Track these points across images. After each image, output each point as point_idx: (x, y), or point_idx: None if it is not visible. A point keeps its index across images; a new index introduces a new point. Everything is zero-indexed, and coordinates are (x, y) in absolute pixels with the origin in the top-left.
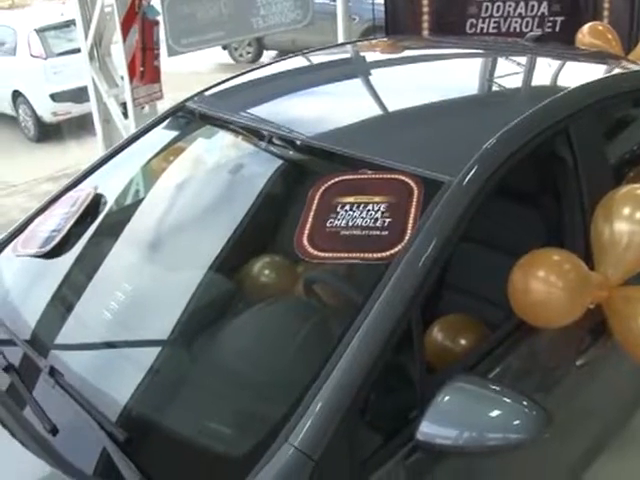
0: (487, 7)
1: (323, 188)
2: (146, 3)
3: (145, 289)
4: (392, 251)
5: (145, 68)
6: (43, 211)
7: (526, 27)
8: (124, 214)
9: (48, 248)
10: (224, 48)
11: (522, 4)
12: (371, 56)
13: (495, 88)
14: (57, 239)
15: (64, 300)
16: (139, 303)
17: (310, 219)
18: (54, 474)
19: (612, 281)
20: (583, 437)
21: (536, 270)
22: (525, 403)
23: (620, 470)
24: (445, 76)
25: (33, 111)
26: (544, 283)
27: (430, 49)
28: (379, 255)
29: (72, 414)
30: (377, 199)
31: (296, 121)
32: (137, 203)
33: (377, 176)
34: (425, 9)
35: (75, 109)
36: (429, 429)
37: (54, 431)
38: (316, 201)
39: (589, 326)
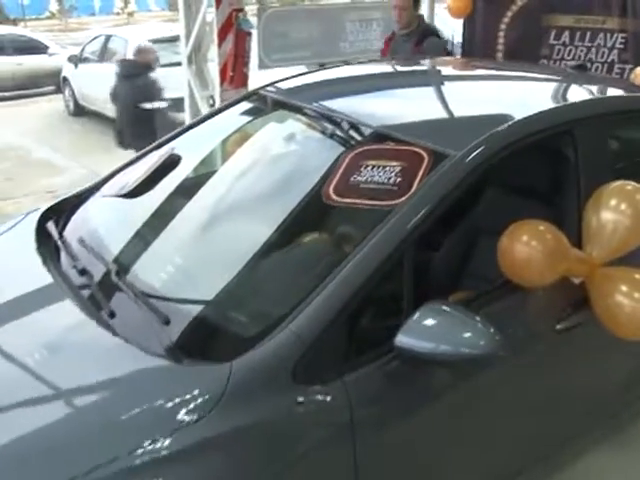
0: (559, 50)
1: (354, 153)
2: (242, 15)
3: (197, 225)
4: (396, 201)
5: (235, 73)
6: (127, 166)
7: (595, 72)
8: (194, 171)
9: (127, 190)
10: None
11: (594, 50)
12: (428, 68)
13: (518, 96)
14: (135, 184)
15: (133, 227)
16: (192, 233)
17: (339, 174)
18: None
19: (596, 260)
20: (552, 394)
21: (522, 235)
22: (492, 330)
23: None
24: (481, 85)
25: None
26: (527, 246)
27: (481, 69)
28: (385, 203)
29: (131, 303)
30: (394, 163)
31: (350, 108)
32: (208, 166)
33: (398, 147)
34: (500, 47)
35: None
36: (405, 338)
37: (112, 315)
38: (346, 162)
39: (573, 299)
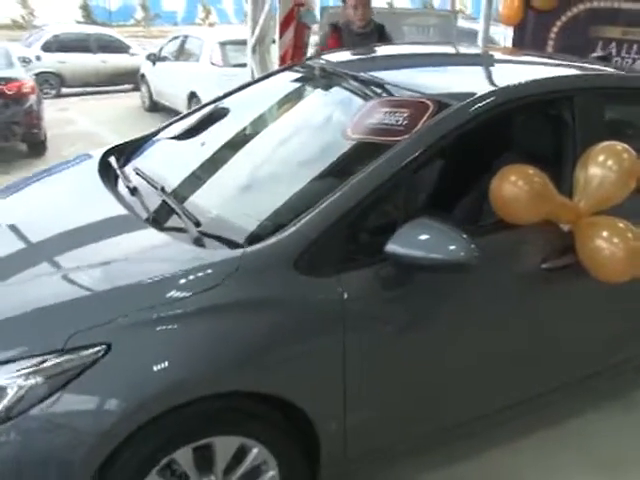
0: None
1: (372, 102)
2: (303, 9)
3: (228, 155)
4: (400, 137)
5: (293, 62)
6: (182, 118)
7: None
8: (236, 119)
9: (178, 134)
10: None
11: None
12: (456, 50)
13: (528, 69)
14: (185, 129)
15: (177, 158)
16: (224, 161)
17: (357, 118)
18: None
19: (583, 209)
20: (535, 332)
21: (511, 175)
22: (474, 250)
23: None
24: (503, 63)
25: None
26: (514, 185)
27: (504, 54)
28: (390, 139)
29: (168, 210)
30: (403, 110)
31: (383, 74)
32: (247, 116)
33: (410, 98)
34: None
35: None
36: (394, 246)
37: (155, 221)
38: (364, 109)
39: (561, 244)
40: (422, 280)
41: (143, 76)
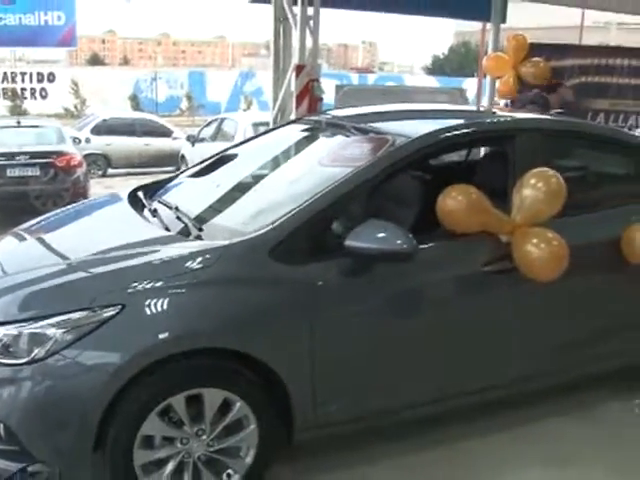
0: None
1: (347, 139)
2: (316, 84)
3: (230, 181)
4: (362, 163)
5: None
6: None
7: None
8: (242, 158)
9: (193, 173)
10: None
11: (626, 130)
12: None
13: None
14: (198, 169)
15: (187, 189)
16: (223, 186)
17: (332, 150)
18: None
19: (518, 223)
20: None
21: (452, 192)
22: (414, 243)
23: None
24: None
25: None
26: (454, 200)
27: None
28: (355, 164)
29: (179, 221)
30: (368, 144)
31: (372, 124)
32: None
33: (377, 136)
34: None
35: None
36: (351, 241)
37: (167, 229)
38: (340, 144)
39: (500, 252)
40: (377, 270)
41: (183, 157)
